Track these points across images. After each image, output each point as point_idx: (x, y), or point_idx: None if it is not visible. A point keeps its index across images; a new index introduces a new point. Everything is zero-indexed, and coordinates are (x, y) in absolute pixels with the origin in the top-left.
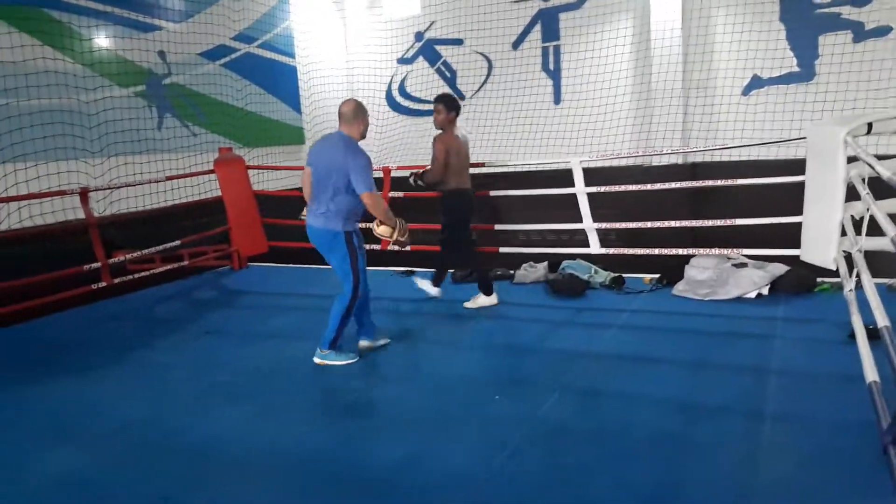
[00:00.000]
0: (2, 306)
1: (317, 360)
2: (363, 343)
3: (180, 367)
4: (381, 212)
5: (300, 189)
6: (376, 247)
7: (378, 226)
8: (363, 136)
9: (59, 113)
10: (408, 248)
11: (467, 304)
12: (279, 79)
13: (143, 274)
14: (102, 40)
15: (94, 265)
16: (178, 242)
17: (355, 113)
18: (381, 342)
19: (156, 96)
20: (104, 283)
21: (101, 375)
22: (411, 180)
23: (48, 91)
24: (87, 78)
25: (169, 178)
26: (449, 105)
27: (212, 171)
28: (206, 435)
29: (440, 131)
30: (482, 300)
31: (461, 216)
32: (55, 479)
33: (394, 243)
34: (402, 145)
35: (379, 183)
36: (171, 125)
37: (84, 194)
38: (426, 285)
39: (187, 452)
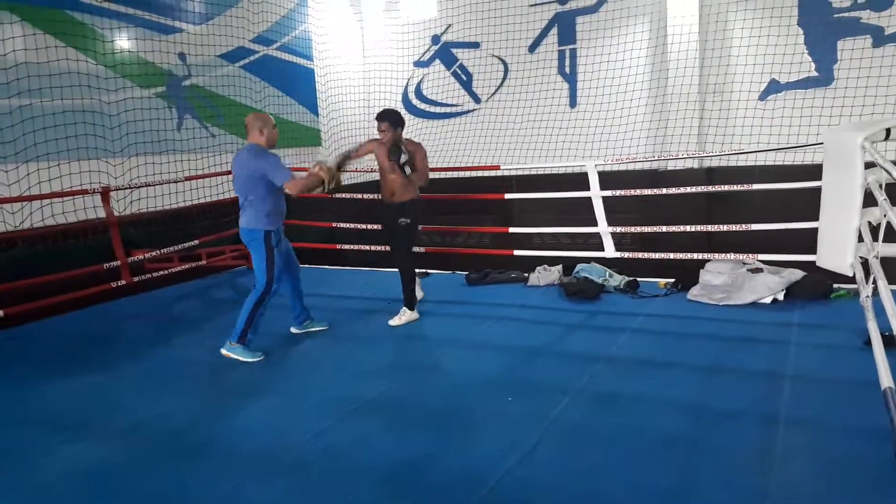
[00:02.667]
0: (23, 303)
1: (223, 351)
2: (293, 329)
3: (197, 364)
4: (306, 188)
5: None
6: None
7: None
8: (270, 143)
9: (81, 113)
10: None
11: (392, 322)
12: (297, 81)
13: (161, 273)
14: (124, 42)
15: (114, 263)
16: (195, 242)
17: (252, 123)
18: (315, 328)
19: (176, 97)
20: (123, 282)
21: (119, 372)
22: (402, 161)
23: (70, 91)
24: (108, 79)
25: (188, 179)
26: (394, 122)
27: (230, 172)
28: (222, 431)
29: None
30: (408, 315)
31: (418, 223)
32: (71, 474)
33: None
34: None
35: None
36: (191, 126)
37: (105, 193)
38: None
39: (202, 448)
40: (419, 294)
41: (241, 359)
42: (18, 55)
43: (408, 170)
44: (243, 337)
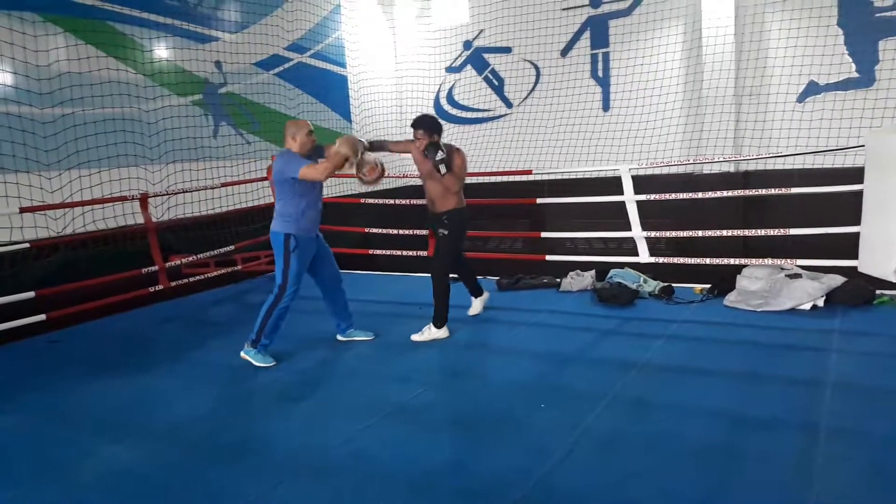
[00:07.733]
0: (65, 307)
1: (241, 353)
2: (338, 337)
3: (232, 367)
4: (328, 170)
5: (349, 196)
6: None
7: (351, 168)
8: (303, 150)
9: (121, 121)
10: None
11: (414, 338)
12: (330, 88)
13: (197, 278)
14: (162, 51)
15: (152, 268)
16: (231, 247)
17: (287, 130)
18: (359, 338)
19: (212, 105)
20: (161, 286)
21: (157, 375)
22: (438, 158)
23: (111, 100)
24: (147, 87)
25: (224, 185)
26: (430, 128)
27: (265, 178)
28: (256, 434)
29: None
30: (432, 332)
31: (458, 235)
32: (110, 475)
33: (366, 182)
34: None
35: None
36: (227, 133)
37: (144, 200)
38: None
39: (236, 451)
40: (478, 309)
41: (253, 362)
42: (62, 65)
43: (443, 169)
44: (256, 341)
